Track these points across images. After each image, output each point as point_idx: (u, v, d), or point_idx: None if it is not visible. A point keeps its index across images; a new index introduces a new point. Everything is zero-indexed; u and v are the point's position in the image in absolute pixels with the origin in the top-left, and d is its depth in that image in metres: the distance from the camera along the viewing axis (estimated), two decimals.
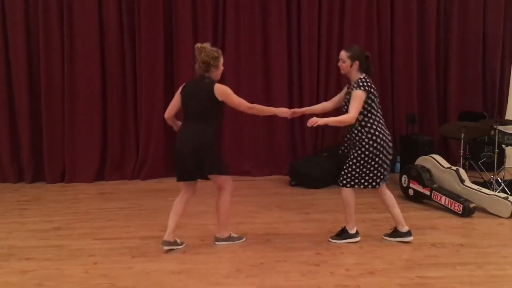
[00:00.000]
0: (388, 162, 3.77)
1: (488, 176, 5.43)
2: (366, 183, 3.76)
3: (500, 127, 5.15)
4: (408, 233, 3.89)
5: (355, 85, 3.63)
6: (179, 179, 3.71)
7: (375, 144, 3.66)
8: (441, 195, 4.77)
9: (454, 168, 4.98)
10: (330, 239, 3.92)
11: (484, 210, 4.68)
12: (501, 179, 5.23)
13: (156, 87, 6.21)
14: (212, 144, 3.67)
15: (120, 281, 3.24)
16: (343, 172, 3.81)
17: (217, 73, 3.72)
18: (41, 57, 6.01)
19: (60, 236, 4.15)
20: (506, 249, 3.76)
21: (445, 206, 4.73)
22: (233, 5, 6.24)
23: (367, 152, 3.67)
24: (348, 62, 3.67)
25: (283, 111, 3.81)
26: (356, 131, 3.69)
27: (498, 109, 6.73)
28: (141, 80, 6.20)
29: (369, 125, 3.66)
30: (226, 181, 3.79)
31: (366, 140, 3.66)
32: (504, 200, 4.55)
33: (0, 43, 5.99)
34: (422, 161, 5.20)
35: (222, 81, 6.23)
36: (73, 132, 6.14)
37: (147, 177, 6.28)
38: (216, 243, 3.89)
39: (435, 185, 4.91)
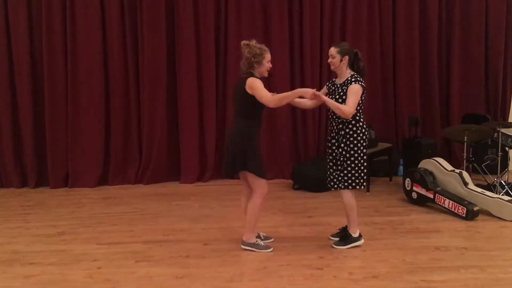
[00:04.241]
0: None
1: (491, 179, 5.42)
2: (361, 182, 3.75)
3: (504, 130, 5.14)
4: (360, 237, 3.89)
5: (351, 80, 3.65)
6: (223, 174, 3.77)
7: (366, 140, 3.73)
8: (444, 198, 4.76)
9: (458, 171, 4.97)
10: (334, 246, 3.88)
11: (487, 213, 4.67)
12: (504, 181, 5.21)
13: (159, 91, 6.23)
14: (244, 141, 3.62)
15: (124, 286, 3.25)
16: (340, 175, 3.77)
17: (260, 70, 3.66)
18: (44, 62, 6.03)
19: (64, 240, 4.16)
20: (510, 252, 3.74)
21: (448, 209, 4.72)
22: (234, 7, 6.26)
23: (361, 148, 3.70)
24: (338, 57, 3.69)
25: (308, 91, 3.57)
26: (350, 126, 3.69)
27: (501, 111, 6.71)
28: (143, 84, 6.22)
29: (362, 120, 3.73)
30: (258, 183, 3.70)
31: (361, 135, 3.70)
32: (507, 203, 4.54)
33: (3, 49, 6.02)
34: (425, 164, 5.19)
35: (226, 83, 6.31)
36: (76, 137, 6.16)
37: (150, 181, 6.29)
38: (241, 246, 3.86)
39: (438, 188, 4.90)
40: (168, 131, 6.37)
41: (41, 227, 4.56)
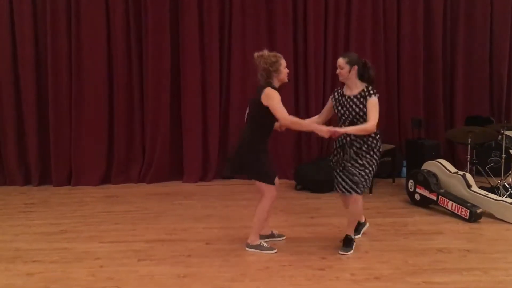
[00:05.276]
0: None
1: (495, 181, 5.39)
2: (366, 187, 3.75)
3: (507, 132, 5.12)
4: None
5: (369, 92, 3.59)
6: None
7: (379, 148, 3.70)
8: (447, 200, 4.75)
9: (461, 173, 4.96)
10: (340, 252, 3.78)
11: (491, 216, 4.65)
12: (508, 184, 5.19)
13: (162, 91, 6.24)
14: (252, 149, 3.65)
15: (126, 284, 3.25)
16: (357, 180, 3.63)
17: (280, 77, 3.64)
18: (49, 61, 6.06)
19: (66, 239, 4.17)
20: None
21: (451, 211, 4.70)
22: (239, 9, 6.27)
23: (375, 156, 3.67)
24: (347, 67, 3.64)
25: (322, 130, 3.57)
26: (367, 136, 3.64)
27: (505, 113, 6.70)
28: (147, 83, 6.24)
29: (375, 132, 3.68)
30: (267, 189, 3.72)
31: (375, 141, 3.65)
32: (511, 205, 4.52)
33: (8, 47, 6.05)
34: (428, 166, 5.18)
35: (229, 84, 6.32)
36: (79, 136, 6.18)
37: (152, 180, 6.30)
38: (246, 248, 3.86)
39: (441, 190, 4.88)
40: (171, 130, 6.38)
41: (44, 225, 4.57)
